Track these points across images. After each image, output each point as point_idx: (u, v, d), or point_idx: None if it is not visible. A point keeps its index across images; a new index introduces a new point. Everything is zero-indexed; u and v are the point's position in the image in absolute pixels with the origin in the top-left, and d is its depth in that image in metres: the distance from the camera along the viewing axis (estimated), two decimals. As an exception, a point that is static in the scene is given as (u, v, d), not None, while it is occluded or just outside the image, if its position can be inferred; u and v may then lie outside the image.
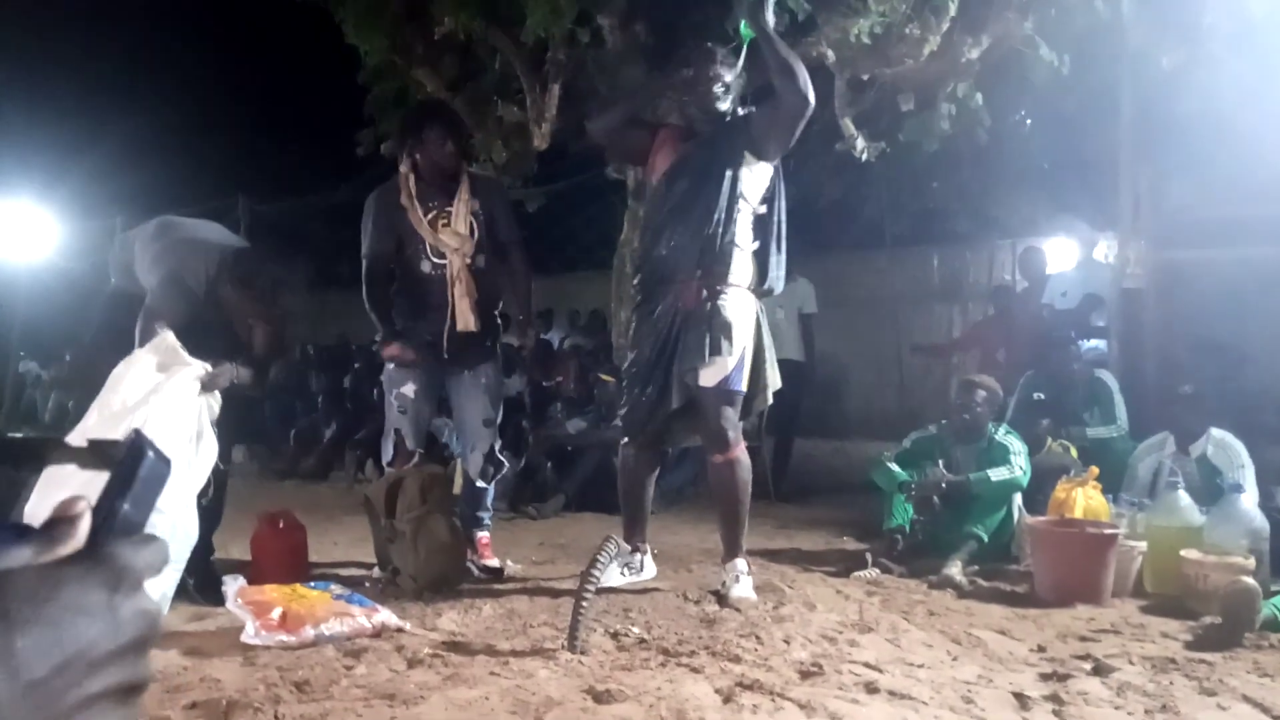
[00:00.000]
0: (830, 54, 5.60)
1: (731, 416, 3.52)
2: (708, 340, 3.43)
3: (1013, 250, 8.97)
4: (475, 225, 3.85)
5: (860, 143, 5.96)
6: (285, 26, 8.60)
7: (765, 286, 3.59)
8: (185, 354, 3.15)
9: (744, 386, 3.52)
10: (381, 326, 3.88)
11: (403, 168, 3.87)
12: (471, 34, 6.31)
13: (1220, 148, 6.12)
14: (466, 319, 3.81)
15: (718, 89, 3.53)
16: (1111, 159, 6.97)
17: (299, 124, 13.12)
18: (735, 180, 3.50)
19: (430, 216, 3.80)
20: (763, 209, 3.58)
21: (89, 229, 11.23)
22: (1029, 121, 7.75)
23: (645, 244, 3.66)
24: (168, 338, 3.15)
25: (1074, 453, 4.73)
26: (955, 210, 10.19)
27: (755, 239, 3.57)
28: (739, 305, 3.51)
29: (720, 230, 3.48)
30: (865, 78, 5.83)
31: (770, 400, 3.67)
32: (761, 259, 3.58)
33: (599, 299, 8.55)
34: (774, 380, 3.64)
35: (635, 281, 3.70)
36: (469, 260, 3.82)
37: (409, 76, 6.89)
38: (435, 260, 3.81)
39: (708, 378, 3.45)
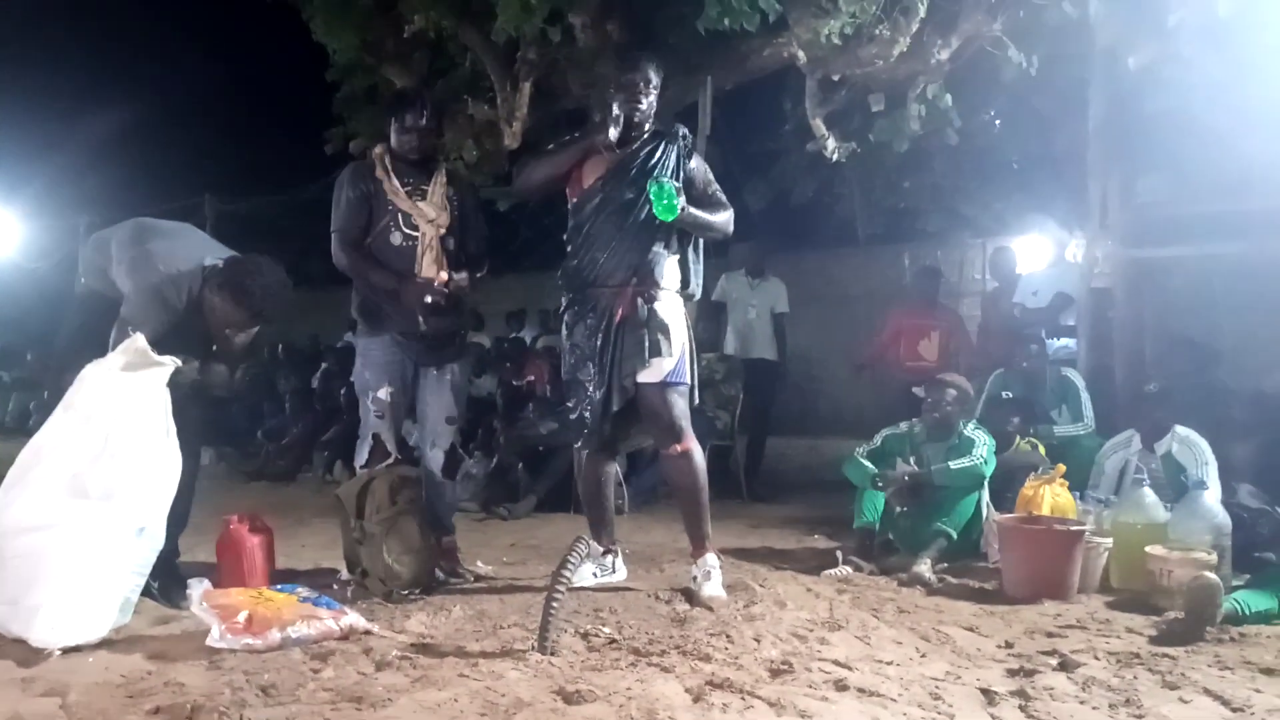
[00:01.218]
0: (801, 54, 5.63)
1: (681, 406, 3.57)
2: (646, 343, 3.51)
3: (984, 249, 9.04)
4: (450, 207, 3.85)
5: (831, 143, 5.99)
6: (253, 24, 8.53)
7: (689, 291, 3.73)
8: (154, 354, 3.12)
9: (689, 379, 3.61)
10: (386, 278, 3.76)
11: (378, 149, 3.88)
12: (442, 31, 6.29)
13: (1189, 145, 6.18)
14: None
15: (651, 101, 3.62)
16: (1081, 158, 7.03)
17: (266, 122, 13.02)
18: None
19: (406, 190, 3.79)
20: None
21: (53, 229, 11.08)
22: (998, 121, 7.81)
23: (575, 247, 3.68)
24: (137, 340, 3.13)
25: (1042, 450, 4.77)
26: (927, 209, 10.26)
27: (678, 247, 3.71)
28: (671, 307, 3.61)
29: (659, 240, 3.60)
30: (836, 78, 5.87)
31: (698, 400, 3.75)
32: (684, 265, 3.72)
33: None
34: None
35: (561, 283, 3.74)
36: (442, 231, 3.80)
37: (378, 74, 6.85)
38: (407, 231, 3.76)
39: (649, 376, 3.52)
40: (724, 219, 3.72)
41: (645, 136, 3.65)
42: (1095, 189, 6.89)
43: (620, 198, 3.58)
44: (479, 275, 3.95)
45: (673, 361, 3.54)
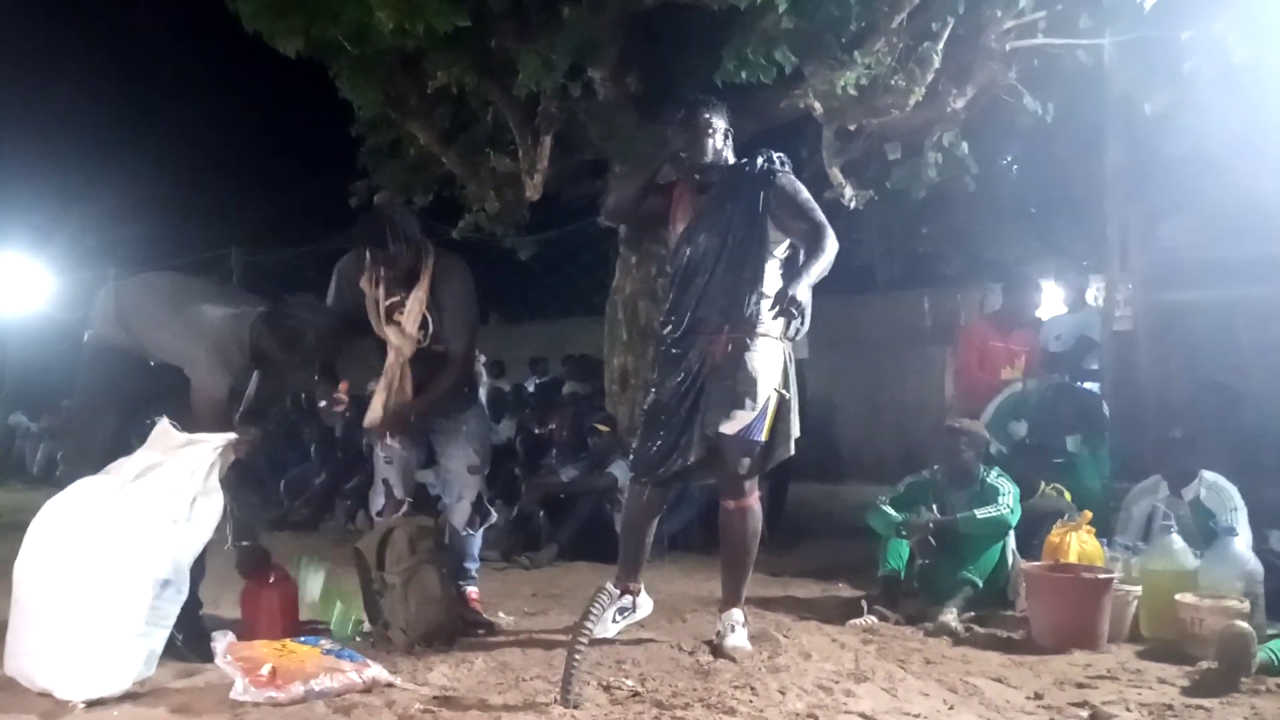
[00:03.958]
0: (817, 105, 5.68)
1: (749, 465, 3.50)
2: (733, 395, 3.41)
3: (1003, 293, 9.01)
4: (429, 319, 3.77)
5: (848, 191, 6.01)
6: (279, 79, 8.70)
7: (790, 331, 3.48)
8: (177, 433, 3.16)
9: (764, 436, 3.47)
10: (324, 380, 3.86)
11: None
12: (464, 87, 6.40)
13: (1208, 189, 6.19)
14: (374, 413, 3.82)
15: (715, 142, 3.57)
16: (1099, 202, 7.04)
17: (292, 175, 13.21)
18: (757, 231, 3.50)
19: (389, 303, 3.76)
20: (787, 253, 3.56)
21: (81, 280, 11.26)
22: (1016, 167, 7.85)
23: (674, 298, 3.63)
24: (161, 424, 3.19)
25: (1068, 496, 4.73)
26: (946, 253, 10.28)
27: (784, 281, 3.51)
28: (766, 356, 3.47)
29: (747, 280, 3.48)
30: (852, 128, 5.90)
31: (793, 451, 3.59)
32: None
33: (592, 344, 8.58)
34: (795, 430, 3.58)
35: (665, 330, 3.65)
36: (406, 356, 3.77)
37: (402, 128, 6.97)
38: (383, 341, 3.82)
39: (729, 427, 3.43)
40: (825, 255, 3.38)
41: (724, 174, 3.58)
42: (1114, 232, 6.91)
43: (706, 242, 3.52)
44: (443, 387, 3.81)
45: (752, 415, 3.42)
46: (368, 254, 3.73)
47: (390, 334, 3.76)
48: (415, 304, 3.74)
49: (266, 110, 12.97)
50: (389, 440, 3.85)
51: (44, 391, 11.76)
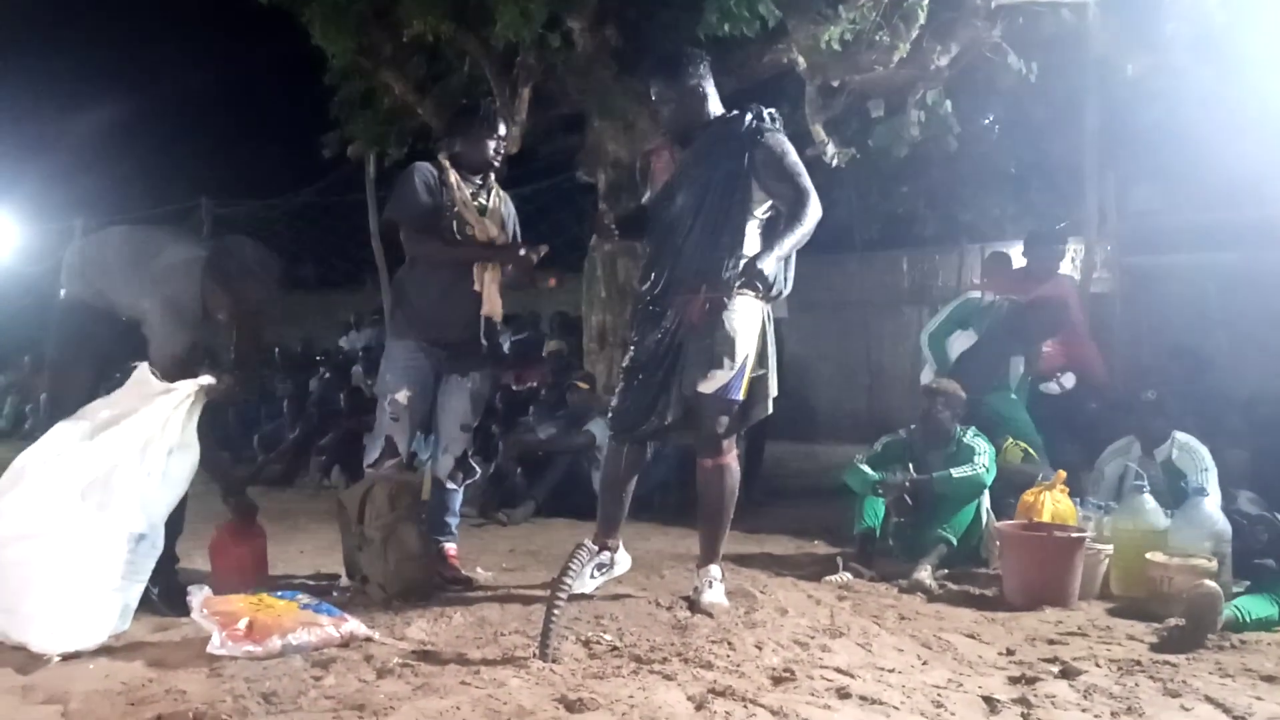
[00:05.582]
0: (801, 60, 5.63)
1: (726, 424, 3.48)
2: (710, 354, 3.38)
3: (981, 254, 9.06)
4: (504, 223, 3.96)
5: (830, 148, 5.98)
6: (250, 27, 8.51)
7: (773, 292, 3.45)
8: (155, 381, 3.13)
9: (741, 395, 3.46)
10: (479, 250, 3.83)
11: (442, 157, 3.90)
12: (440, 36, 6.27)
13: (1183, 154, 6.23)
14: (494, 303, 3.87)
15: (686, 104, 3.52)
16: (1077, 165, 7.07)
17: (263, 126, 13.01)
18: (738, 191, 3.44)
19: (475, 201, 3.88)
20: (768, 214, 3.49)
21: (47, 232, 11.06)
22: (997, 128, 7.85)
23: (651, 255, 3.61)
24: (141, 371, 3.16)
25: (1035, 456, 4.78)
26: (924, 214, 10.30)
27: (762, 245, 3.46)
28: (744, 315, 3.43)
29: (725, 241, 3.43)
30: (835, 84, 5.86)
31: (770, 410, 3.58)
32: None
33: (569, 302, 8.54)
34: (773, 389, 3.57)
35: (643, 288, 3.61)
36: None
37: (376, 78, 6.84)
38: (460, 240, 3.83)
39: (707, 386, 3.41)
40: (803, 225, 3.32)
41: (707, 129, 3.52)
42: (1091, 196, 6.95)
43: (685, 199, 3.47)
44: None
45: (730, 374, 3.39)
46: (482, 139, 3.88)
47: (490, 223, 3.87)
48: (497, 199, 3.94)
49: (236, 59, 12.71)
50: (400, 397, 3.81)
51: (9, 345, 11.58)
